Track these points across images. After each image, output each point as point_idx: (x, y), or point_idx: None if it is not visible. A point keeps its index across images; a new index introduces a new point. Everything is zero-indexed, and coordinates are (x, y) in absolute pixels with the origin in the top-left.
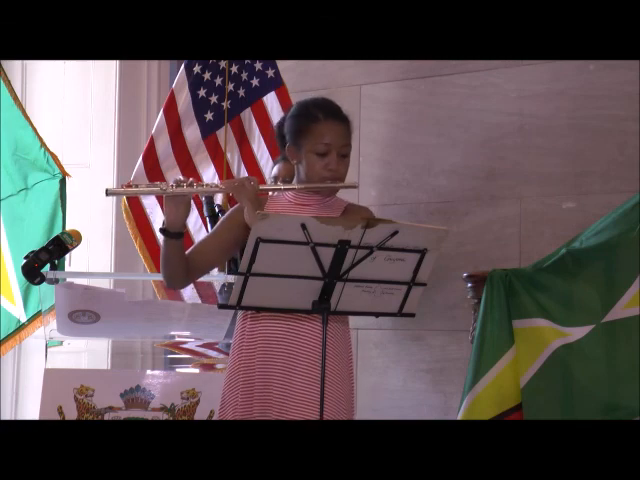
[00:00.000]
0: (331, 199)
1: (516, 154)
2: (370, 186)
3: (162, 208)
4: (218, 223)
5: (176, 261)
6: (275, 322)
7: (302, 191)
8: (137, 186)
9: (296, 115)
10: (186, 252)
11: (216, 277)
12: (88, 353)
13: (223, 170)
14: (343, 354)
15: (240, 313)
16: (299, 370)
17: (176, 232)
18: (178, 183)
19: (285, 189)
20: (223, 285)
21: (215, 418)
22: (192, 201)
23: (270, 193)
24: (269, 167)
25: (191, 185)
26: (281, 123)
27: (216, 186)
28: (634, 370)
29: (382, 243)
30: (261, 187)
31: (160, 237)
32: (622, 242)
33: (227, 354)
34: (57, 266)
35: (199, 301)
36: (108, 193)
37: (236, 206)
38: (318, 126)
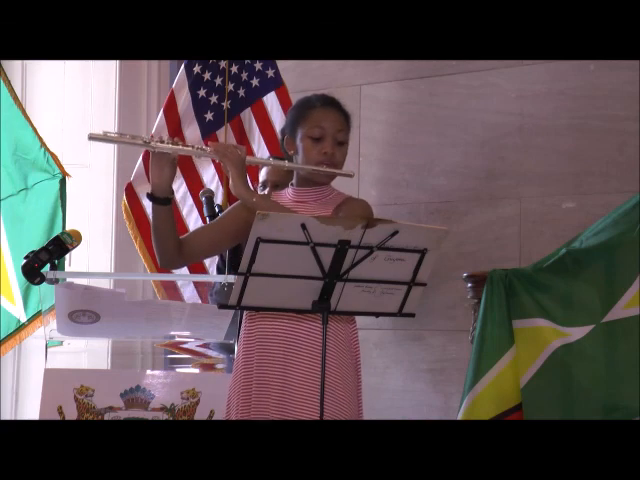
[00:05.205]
0: (330, 193)
1: (516, 154)
2: (370, 186)
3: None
4: (220, 215)
5: (166, 231)
6: (271, 322)
7: (301, 188)
8: (121, 135)
9: (294, 106)
10: (182, 236)
11: (216, 277)
12: (88, 353)
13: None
14: (346, 354)
15: (244, 315)
16: (297, 370)
17: (164, 197)
18: (162, 140)
19: (275, 164)
20: (223, 285)
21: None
22: (192, 201)
23: (264, 190)
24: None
25: (176, 144)
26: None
27: (202, 148)
28: (634, 370)
29: (382, 243)
30: (250, 159)
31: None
32: (622, 242)
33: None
34: (57, 266)
35: (199, 301)
36: (90, 137)
37: (238, 202)
38: (314, 111)
